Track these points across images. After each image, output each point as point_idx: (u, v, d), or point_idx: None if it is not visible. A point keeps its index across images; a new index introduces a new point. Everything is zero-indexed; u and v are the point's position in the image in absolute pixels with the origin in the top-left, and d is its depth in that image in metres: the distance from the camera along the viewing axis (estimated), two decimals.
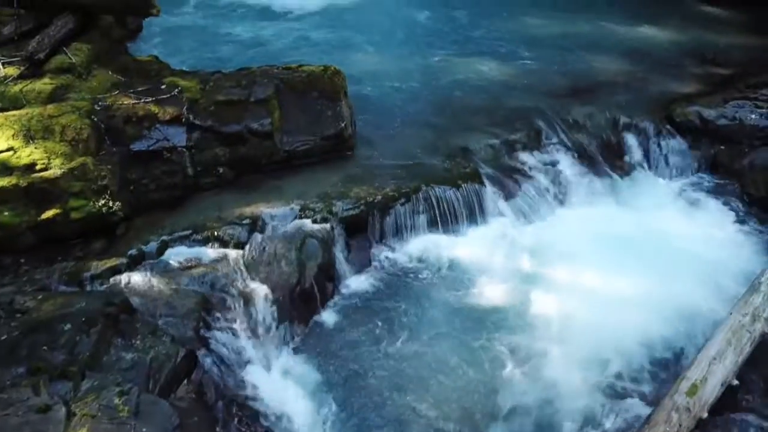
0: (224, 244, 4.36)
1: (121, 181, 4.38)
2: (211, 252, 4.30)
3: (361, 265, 4.66)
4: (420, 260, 4.76)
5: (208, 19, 8.71)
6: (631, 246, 4.92)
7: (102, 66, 5.09)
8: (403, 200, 4.89)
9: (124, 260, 4.11)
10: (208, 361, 3.64)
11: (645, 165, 5.83)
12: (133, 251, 4.19)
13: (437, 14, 9.17)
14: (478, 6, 9.57)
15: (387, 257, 4.74)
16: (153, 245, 4.26)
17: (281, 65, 5.52)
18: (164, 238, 4.32)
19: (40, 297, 3.71)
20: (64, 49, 4.87)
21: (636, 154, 5.86)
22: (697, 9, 9.65)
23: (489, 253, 4.87)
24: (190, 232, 4.39)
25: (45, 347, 3.34)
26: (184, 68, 5.87)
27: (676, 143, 5.95)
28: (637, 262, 4.75)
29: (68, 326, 3.44)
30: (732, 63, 7.45)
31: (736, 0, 9.45)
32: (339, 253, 4.52)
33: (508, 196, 5.29)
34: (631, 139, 5.92)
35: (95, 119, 4.43)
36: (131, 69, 5.27)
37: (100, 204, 4.16)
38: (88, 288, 3.93)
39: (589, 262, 4.79)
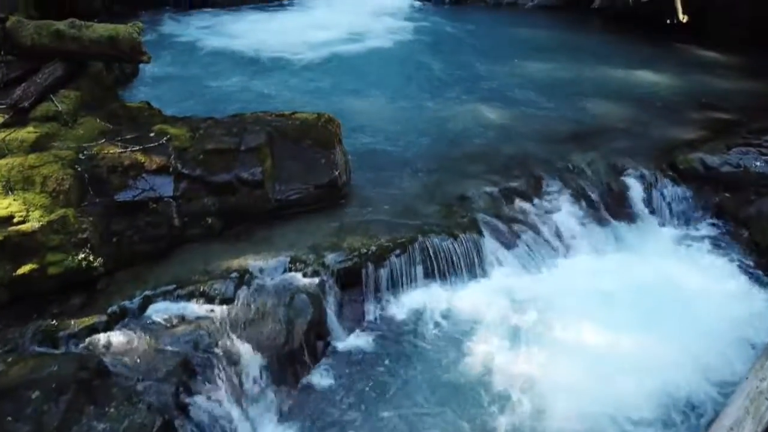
0: (210, 299, 4.14)
1: (104, 233, 4.20)
2: (195, 308, 4.09)
3: (354, 320, 4.43)
4: (416, 315, 4.53)
5: (205, 66, 8.66)
6: (638, 300, 4.70)
7: (90, 113, 4.96)
8: (398, 251, 4.69)
9: (103, 317, 3.89)
10: None
11: (649, 213, 5.66)
12: (113, 308, 3.97)
13: (436, 60, 9.16)
14: (478, 51, 9.59)
15: (381, 312, 4.52)
16: (135, 301, 4.04)
17: (274, 112, 5.40)
18: (147, 293, 4.11)
19: (9, 360, 3.48)
20: (51, 96, 4.75)
21: (639, 201, 5.69)
22: (695, 53, 9.65)
23: (488, 308, 4.64)
24: (174, 286, 4.18)
25: (10, 418, 3.10)
26: (177, 114, 5.77)
27: (680, 191, 5.79)
28: (645, 317, 4.52)
29: (37, 393, 3.21)
30: (733, 108, 7.37)
31: (734, 44, 9.46)
32: (330, 310, 4.29)
33: (508, 246, 5.09)
34: (633, 187, 5.76)
35: (79, 169, 4.27)
36: (121, 116, 5.15)
37: (79, 258, 3.96)
38: (64, 348, 3.70)
39: (594, 317, 4.56)
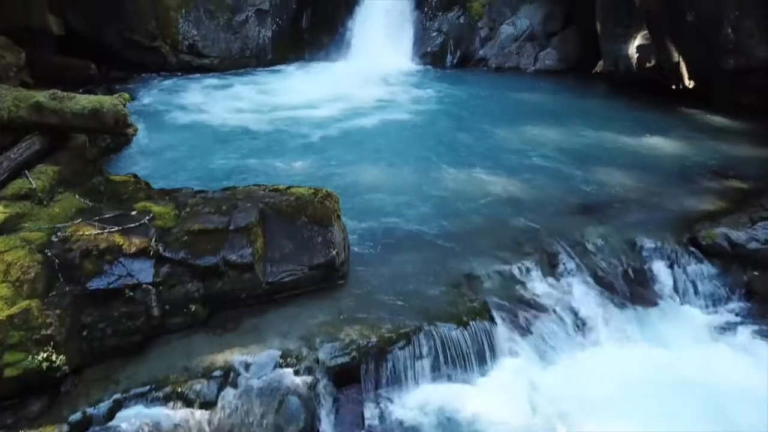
0: (189, 403, 3.65)
1: (72, 327, 3.75)
2: (172, 414, 3.59)
3: (352, 425, 3.92)
4: (422, 418, 4.02)
5: (201, 135, 8.41)
6: (667, 394, 4.20)
7: (69, 189, 4.60)
8: (402, 342, 4.23)
9: (63, 428, 3.40)
10: None
11: (673, 294, 5.20)
12: (76, 415, 3.49)
13: (440, 127, 8.94)
14: (482, 117, 9.38)
15: (382, 415, 4.00)
16: (102, 406, 3.56)
17: (269, 186, 5.05)
18: (117, 396, 3.62)
19: None
20: (26, 172, 4.41)
21: (661, 281, 5.25)
22: (703, 119, 9.43)
23: (502, 406, 4.13)
24: (149, 387, 3.69)
25: None
26: (165, 187, 5.43)
27: (705, 269, 5.36)
28: (677, 415, 4.02)
29: None
30: (749, 177, 7.04)
31: (741, 110, 9.26)
32: (324, 414, 3.79)
33: (522, 333, 4.62)
34: (654, 265, 5.33)
35: (48, 254, 3.86)
36: (103, 191, 4.79)
37: (40, 358, 3.50)
38: None
39: (622, 415, 4.05)
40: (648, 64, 9.96)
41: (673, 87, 9.91)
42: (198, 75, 11.48)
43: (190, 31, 11.45)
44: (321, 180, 6.43)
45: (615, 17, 10.34)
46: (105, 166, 6.38)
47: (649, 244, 5.52)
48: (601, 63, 12.12)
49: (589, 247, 5.46)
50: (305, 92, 10.23)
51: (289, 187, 4.90)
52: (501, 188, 6.68)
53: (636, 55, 10.07)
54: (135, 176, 5.27)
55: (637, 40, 10.00)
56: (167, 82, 10.89)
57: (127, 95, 4.88)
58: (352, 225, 5.45)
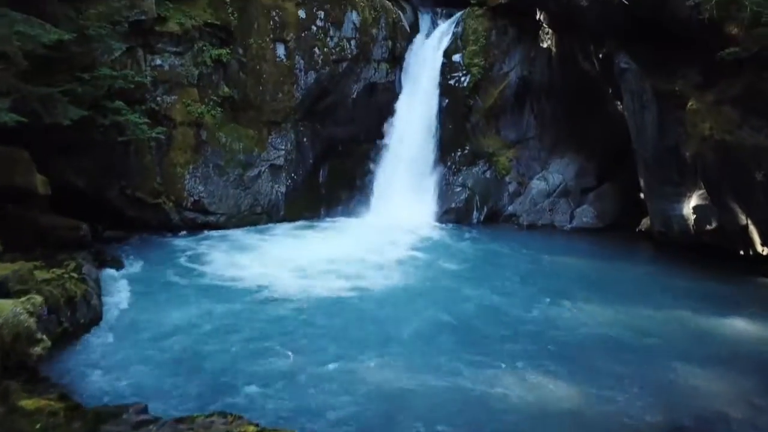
0: None
1: None
2: None
3: None
4: None
5: (188, 319, 6.85)
6: None
7: None
8: None
9: None
10: None
11: None
12: None
13: (467, 303, 7.44)
14: (517, 290, 7.92)
15: None
16: None
17: (237, 419, 3.58)
18: None
19: None
20: None
21: None
22: None
23: None
24: None
25: None
26: (111, 402, 4.02)
27: None
28: None
29: None
30: None
31: None
32: None
33: None
34: None
35: None
36: None
37: None
38: None
39: None
40: (708, 227, 8.68)
41: (741, 253, 8.54)
42: (203, 233, 10.50)
43: (196, 187, 10.67)
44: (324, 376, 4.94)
45: (662, 174, 9.29)
46: (44, 366, 4.97)
47: None
48: (646, 222, 10.91)
49: None
50: (316, 257, 8.98)
51: (262, 430, 3.42)
52: (555, 398, 5.10)
53: (693, 217, 8.84)
54: (63, 396, 3.85)
55: (693, 200, 8.82)
56: (166, 243, 9.86)
57: (39, 299, 3.62)
58: None
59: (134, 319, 6.59)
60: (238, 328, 6.49)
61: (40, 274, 5.95)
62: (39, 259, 7.29)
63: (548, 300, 7.51)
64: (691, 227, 8.96)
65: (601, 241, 10.91)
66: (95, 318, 6.35)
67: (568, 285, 8.24)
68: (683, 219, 9.06)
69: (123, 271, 8.32)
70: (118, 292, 7.54)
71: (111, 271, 8.24)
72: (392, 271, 8.68)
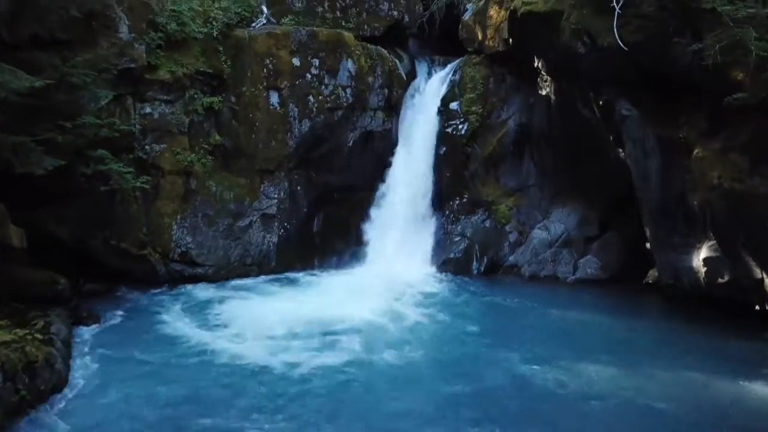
0: None
1: None
2: None
3: None
4: None
5: (162, 388, 6.33)
6: None
7: None
8: None
9: None
10: None
11: None
12: None
13: (471, 368, 6.92)
14: (524, 348, 7.42)
15: None
16: None
17: None
18: None
19: None
20: None
21: None
22: None
23: None
24: None
25: None
26: None
27: None
28: None
29: None
30: None
31: None
32: None
33: None
34: None
35: None
36: None
37: None
38: None
39: None
40: (720, 280, 8.22)
41: (757, 307, 8.04)
42: (189, 286, 10.03)
43: (183, 238, 10.26)
44: None
45: (669, 224, 8.88)
46: None
47: None
48: (653, 273, 10.46)
49: None
50: (308, 317, 8.38)
51: None
52: None
53: (704, 269, 8.38)
54: None
55: (703, 252, 8.38)
56: (150, 297, 9.38)
57: None
58: None
59: (102, 386, 6.08)
60: (217, 404, 5.91)
61: (1, 336, 5.48)
62: (8, 316, 6.86)
63: (552, 364, 7.00)
64: (702, 280, 8.48)
65: (607, 293, 10.42)
66: (59, 384, 5.84)
67: (573, 346, 7.74)
68: (693, 271, 8.60)
69: (99, 329, 7.85)
70: (91, 353, 7.04)
71: (86, 329, 7.79)
72: (393, 333, 8.10)
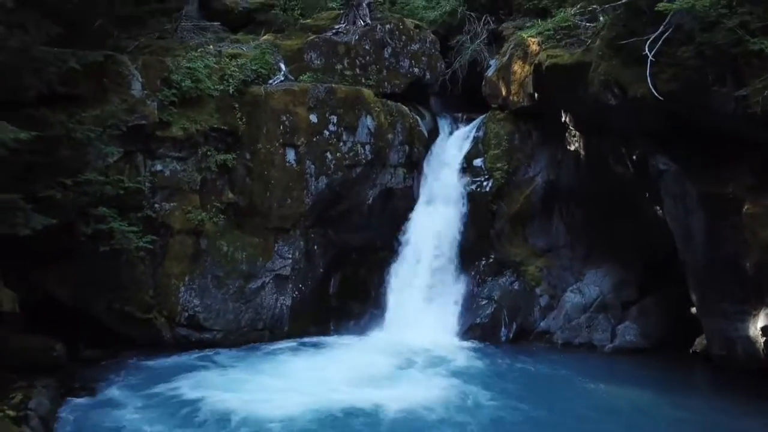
0: None
1: None
2: None
3: None
4: None
5: None
6: None
7: None
8: None
9: None
10: None
11: None
12: None
13: None
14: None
15: None
16: None
17: None
18: None
19: None
20: None
21: None
22: None
23: None
24: None
25: None
26: None
27: None
28: None
29: None
30: None
31: None
32: None
33: None
34: None
35: None
36: None
37: None
38: None
39: None
40: None
41: None
42: (195, 352, 9.40)
43: (191, 300, 9.73)
44: None
45: (719, 288, 8.02)
46: None
47: None
48: (700, 341, 9.49)
49: None
50: (322, 395, 7.53)
51: None
52: None
53: (763, 339, 7.46)
54: None
55: (761, 320, 7.47)
56: (152, 365, 8.75)
57: None
58: None
59: None
60: None
61: None
62: None
63: None
64: (761, 351, 7.53)
65: (650, 364, 9.45)
66: None
67: (626, 425, 6.78)
68: (750, 341, 7.66)
69: (91, 402, 7.20)
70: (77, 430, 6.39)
71: (77, 401, 7.15)
72: (416, 414, 7.25)
